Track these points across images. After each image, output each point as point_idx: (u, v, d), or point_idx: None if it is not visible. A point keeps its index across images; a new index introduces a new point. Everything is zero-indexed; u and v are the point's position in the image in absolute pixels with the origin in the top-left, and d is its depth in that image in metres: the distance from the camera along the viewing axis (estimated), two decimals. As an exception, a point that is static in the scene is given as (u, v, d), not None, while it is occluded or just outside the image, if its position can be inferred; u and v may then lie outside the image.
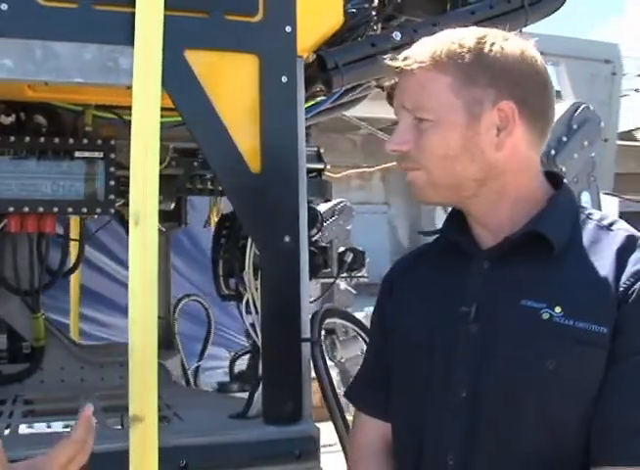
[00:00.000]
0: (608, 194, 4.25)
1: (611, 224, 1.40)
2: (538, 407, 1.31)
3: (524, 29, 2.63)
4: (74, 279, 3.75)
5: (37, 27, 1.80)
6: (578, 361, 1.29)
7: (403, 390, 1.51)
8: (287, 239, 1.92)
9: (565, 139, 2.31)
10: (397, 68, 1.41)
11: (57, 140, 2.40)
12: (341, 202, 4.43)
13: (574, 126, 2.33)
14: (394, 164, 1.50)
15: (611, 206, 4.25)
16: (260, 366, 1.96)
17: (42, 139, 2.39)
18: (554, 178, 1.48)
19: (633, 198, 4.77)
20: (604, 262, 1.33)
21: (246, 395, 2.11)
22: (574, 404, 1.29)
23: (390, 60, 1.43)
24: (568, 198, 1.45)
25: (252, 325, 2.17)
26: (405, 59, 1.41)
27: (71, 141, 2.41)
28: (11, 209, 2.34)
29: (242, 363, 3.47)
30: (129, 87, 1.86)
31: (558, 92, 6.50)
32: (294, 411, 1.92)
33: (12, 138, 2.37)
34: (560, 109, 2.40)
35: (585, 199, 2.38)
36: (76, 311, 3.75)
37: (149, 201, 1.67)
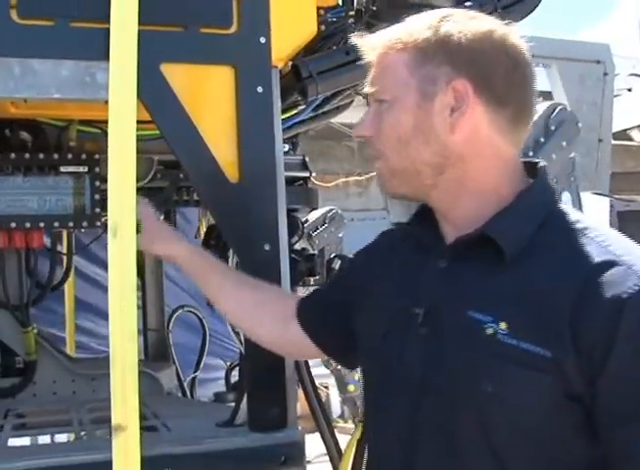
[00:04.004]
0: (599, 194, 4.28)
1: (586, 230, 1.26)
2: (477, 427, 1.22)
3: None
4: (69, 292, 3.78)
5: (14, 45, 1.83)
6: (518, 384, 1.19)
7: (366, 389, 1.49)
8: (266, 247, 1.93)
9: (542, 140, 2.32)
10: (367, 48, 1.37)
11: (42, 156, 2.43)
12: (331, 209, 4.43)
13: (552, 127, 2.34)
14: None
15: (601, 205, 4.27)
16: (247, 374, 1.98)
17: (27, 155, 2.42)
18: (534, 170, 1.35)
19: (625, 197, 4.78)
20: (563, 276, 1.19)
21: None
22: (517, 433, 1.20)
23: (360, 41, 1.38)
24: (538, 195, 1.32)
25: (237, 333, 2.18)
26: (377, 38, 1.36)
27: (56, 156, 2.44)
28: (-2, 225, 2.37)
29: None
30: (107, 102, 1.89)
31: (549, 93, 6.51)
32: (279, 418, 1.93)
33: (-4, 155, 2.40)
34: (536, 109, 2.42)
35: (566, 199, 2.38)
36: (72, 324, 3.78)
37: (126, 213, 1.69)
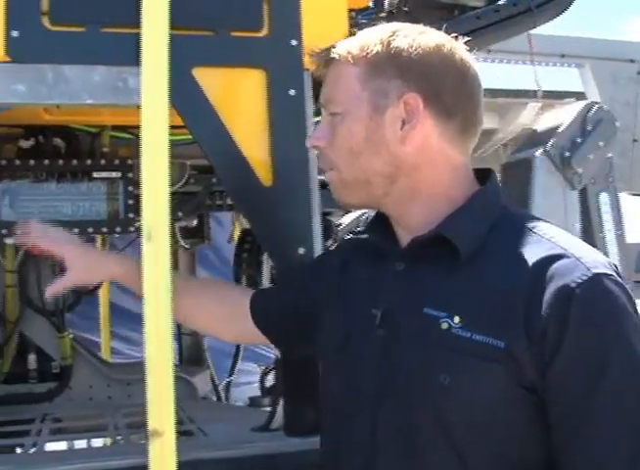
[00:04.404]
0: (636, 195, 4.22)
1: (535, 228, 1.29)
2: (434, 421, 1.23)
3: (539, 31, 2.63)
4: (104, 297, 3.80)
5: (47, 52, 1.84)
6: (473, 376, 1.21)
7: (325, 396, 1.50)
8: (301, 251, 1.92)
9: (579, 140, 2.29)
10: (320, 60, 1.40)
11: (75, 162, 2.44)
12: (364, 213, 4.41)
13: (589, 127, 2.31)
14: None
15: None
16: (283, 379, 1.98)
17: (61, 161, 2.44)
18: (485, 176, 1.39)
19: (663, 198, 4.72)
20: (515, 271, 1.22)
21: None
22: (473, 428, 1.21)
23: (313, 54, 1.42)
24: (489, 197, 1.35)
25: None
26: (324, 51, 1.40)
27: (90, 162, 2.46)
28: (33, 231, 2.39)
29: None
30: (139, 107, 1.90)
31: (582, 94, 6.45)
32: (315, 422, 1.92)
33: (31, 162, 2.42)
34: (572, 110, 2.39)
35: (604, 200, 2.35)
36: (107, 330, 3.80)
37: (160, 217, 1.69)
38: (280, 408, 2.04)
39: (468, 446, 1.22)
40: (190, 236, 3.17)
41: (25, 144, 2.50)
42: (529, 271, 1.20)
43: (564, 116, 2.38)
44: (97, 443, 2.44)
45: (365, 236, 1.50)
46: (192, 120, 1.89)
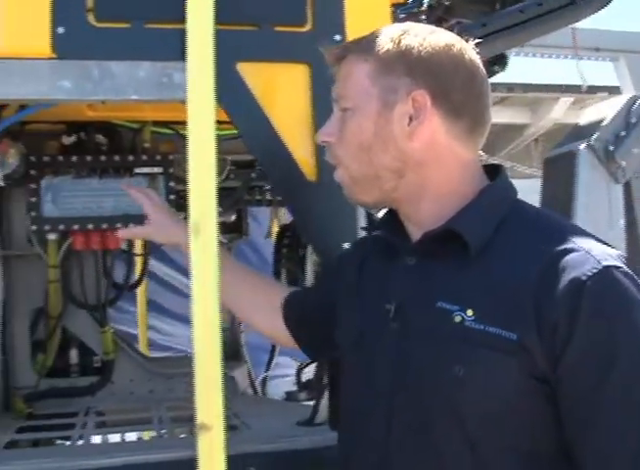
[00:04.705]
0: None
1: (546, 222, 1.34)
2: (449, 413, 1.25)
3: (574, 25, 2.61)
4: (141, 292, 3.82)
5: (92, 48, 1.86)
6: (487, 367, 1.23)
7: (344, 391, 1.52)
8: (345, 245, 1.93)
9: (623, 134, 2.27)
10: (332, 57, 1.43)
11: (117, 158, 2.46)
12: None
13: (633, 120, 2.29)
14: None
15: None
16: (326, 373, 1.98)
17: (103, 157, 2.46)
18: (495, 172, 1.42)
19: None
20: (525, 265, 1.24)
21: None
22: (486, 413, 1.23)
23: (325, 51, 1.45)
24: (499, 192, 1.38)
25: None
26: (336, 49, 1.44)
27: (131, 158, 2.47)
28: (76, 227, 2.41)
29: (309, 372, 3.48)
30: (184, 102, 1.91)
31: (617, 88, 6.37)
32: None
33: (74, 158, 2.44)
34: (616, 103, 2.37)
35: (647, 196, 2.34)
36: (144, 323, 3.82)
37: (208, 211, 1.69)
38: (323, 403, 2.05)
39: (481, 437, 1.24)
40: (228, 231, 3.18)
41: (67, 140, 2.52)
42: (539, 265, 1.22)
43: (607, 109, 2.36)
44: (143, 436, 2.45)
45: (377, 233, 1.51)
46: (237, 116, 1.90)
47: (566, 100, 7.71)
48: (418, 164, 1.35)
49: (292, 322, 1.76)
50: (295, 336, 1.77)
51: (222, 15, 1.82)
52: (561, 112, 7.87)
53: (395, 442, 1.32)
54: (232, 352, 3.51)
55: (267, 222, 3.34)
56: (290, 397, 3.49)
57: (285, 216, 3.25)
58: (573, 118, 7.54)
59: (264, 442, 1.90)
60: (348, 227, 1.94)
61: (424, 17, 2.43)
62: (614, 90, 6.46)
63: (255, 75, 1.92)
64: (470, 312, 1.25)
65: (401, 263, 1.39)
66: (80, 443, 2.06)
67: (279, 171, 1.95)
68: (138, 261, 2.95)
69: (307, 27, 1.97)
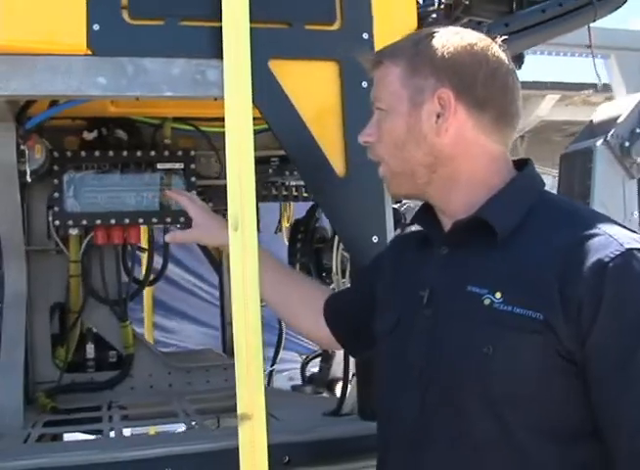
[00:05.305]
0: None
1: (571, 209, 1.42)
2: (479, 392, 1.31)
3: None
4: (147, 290, 3.83)
5: (126, 45, 1.88)
6: (514, 346, 1.29)
7: (380, 373, 1.59)
8: (375, 239, 1.97)
9: (638, 130, 2.33)
10: (369, 63, 1.53)
11: (139, 153, 2.48)
12: (404, 204, 4.44)
13: (648, 117, 2.36)
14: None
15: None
16: (352, 364, 2.02)
17: (125, 153, 2.48)
18: (523, 166, 1.49)
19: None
20: (550, 249, 1.31)
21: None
22: (514, 391, 1.29)
23: (363, 59, 1.56)
24: (526, 183, 1.46)
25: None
26: (375, 55, 1.55)
27: (153, 153, 2.50)
28: (98, 221, 2.43)
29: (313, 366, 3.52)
30: (217, 99, 1.93)
31: (607, 85, 6.41)
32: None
33: (96, 153, 2.46)
34: (630, 101, 2.43)
35: (660, 191, 2.39)
36: (150, 321, 3.83)
37: (247, 206, 1.72)
38: (349, 394, 2.09)
39: (510, 414, 1.29)
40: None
41: (89, 136, 2.54)
42: (563, 249, 1.29)
43: (622, 107, 2.42)
44: (174, 428, 2.47)
45: (413, 227, 1.61)
46: (269, 112, 1.93)
47: (552, 97, 7.74)
48: (448, 159, 1.43)
49: (332, 322, 1.82)
50: (335, 334, 1.83)
51: (255, 13, 1.86)
52: (547, 109, 7.91)
53: (428, 419, 1.38)
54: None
55: (270, 218, 3.35)
56: (295, 390, 3.53)
57: (293, 212, 3.28)
58: (559, 115, 7.60)
59: (297, 432, 1.93)
60: (377, 222, 1.98)
61: (434, 16, 2.46)
62: (606, 88, 6.54)
63: (287, 73, 1.95)
64: (498, 295, 1.32)
65: (435, 253, 1.47)
66: (112, 434, 2.08)
67: (310, 167, 1.99)
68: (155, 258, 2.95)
69: (337, 26, 2.01)
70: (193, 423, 2.17)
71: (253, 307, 1.71)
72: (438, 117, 1.42)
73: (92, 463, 1.75)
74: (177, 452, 1.81)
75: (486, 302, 1.33)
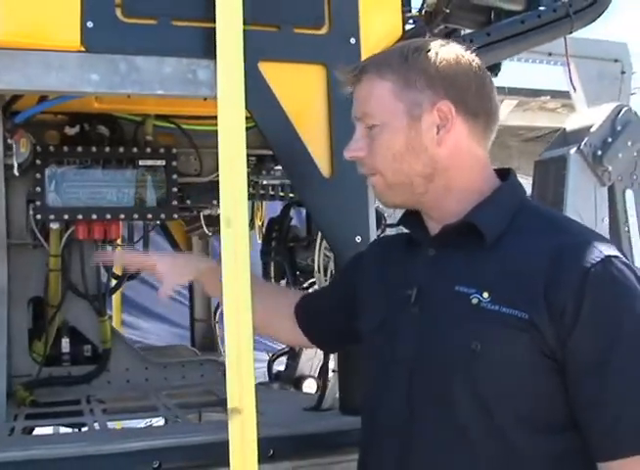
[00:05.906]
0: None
1: (553, 216, 1.51)
2: (467, 386, 1.36)
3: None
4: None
5: (119, 42, 1.91)
6: (501, 343, 1.35)
7: (366, 372, 1.63)
8: (357, 239, 2.02)
9: (610, 140, 2.41)
10: (348, 79, 1.54)
11: (121, 149, 2.50)
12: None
13: (618, 128, 2.43)
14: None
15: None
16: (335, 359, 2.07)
17: (107, 149, 2.49)
18: (505, 174, 1.55)
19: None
20: (535, 253, 1.37)
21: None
22: (500, 386, 1.35)
23: (341, 73, 1.56)
24: (511, 190, 1.51)
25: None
26: (353, 70, 1.54)
27: (135, 150, 2.51)
28: (79, 216, 2.44)
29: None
30: (207, 98, 1.97)
31: (567, 92, 6.52)
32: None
33: (78, 148, 2.47)
34: (602, 111, 2.51)
35: (629, 196, 2.47)
36: (118, 318, 3.84)
37: (239, 204, 1.76)
38: (329, 390, 2.14)
39: (497, 408, 1.35)
40: (213, 224, 3.22)
41: (71, 131, 2.55)
42: (548, 254, 1.35)
43: (593, 117, 2.50)
44: (156, 422, 2.49)
45: (397, 231, 1.66)
46: (258, 112, 1.97)
47: (509, 102, 7.86)
48: (445, 169, 1.47)
49: (304, 322, 1.86)
50: (307, 334, 1.87)
51: (245, 15, 1.90)
52: (504, 114, 8.02)
53: (415, 413, 1.43)
54: (207, 344, 3.57)
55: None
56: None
57: (265, 211, 3.32)
58: (516, 121, 7.73)
59: (281, 426, 1.97)
60: (360, 222, 2.03)
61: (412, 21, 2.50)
62: (559, 94, 6.68)
63: (275, 74, 2.00)
64: (486, 295, 1.37)
65: (422, 255, 1.52)
66: (97, 427, 2.09)
67: (296, 167, 2.03)
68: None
69: (324, 30, 2.06)
70: (175, 417, 2.19)
71: (245, 303, 1.74)
72: (439, 128, 1.45)
73: (83, 455, 1.78)
74: (165, 445, 1.84)
75: (474, 301, 1.38)
